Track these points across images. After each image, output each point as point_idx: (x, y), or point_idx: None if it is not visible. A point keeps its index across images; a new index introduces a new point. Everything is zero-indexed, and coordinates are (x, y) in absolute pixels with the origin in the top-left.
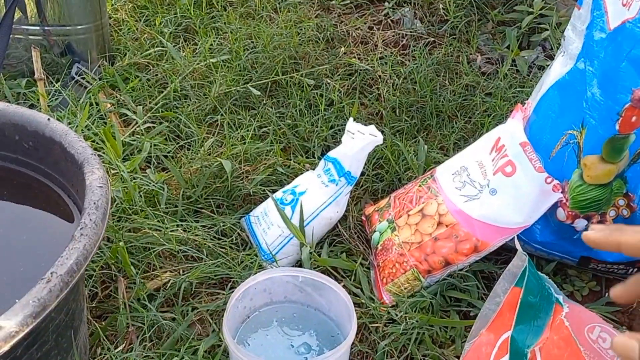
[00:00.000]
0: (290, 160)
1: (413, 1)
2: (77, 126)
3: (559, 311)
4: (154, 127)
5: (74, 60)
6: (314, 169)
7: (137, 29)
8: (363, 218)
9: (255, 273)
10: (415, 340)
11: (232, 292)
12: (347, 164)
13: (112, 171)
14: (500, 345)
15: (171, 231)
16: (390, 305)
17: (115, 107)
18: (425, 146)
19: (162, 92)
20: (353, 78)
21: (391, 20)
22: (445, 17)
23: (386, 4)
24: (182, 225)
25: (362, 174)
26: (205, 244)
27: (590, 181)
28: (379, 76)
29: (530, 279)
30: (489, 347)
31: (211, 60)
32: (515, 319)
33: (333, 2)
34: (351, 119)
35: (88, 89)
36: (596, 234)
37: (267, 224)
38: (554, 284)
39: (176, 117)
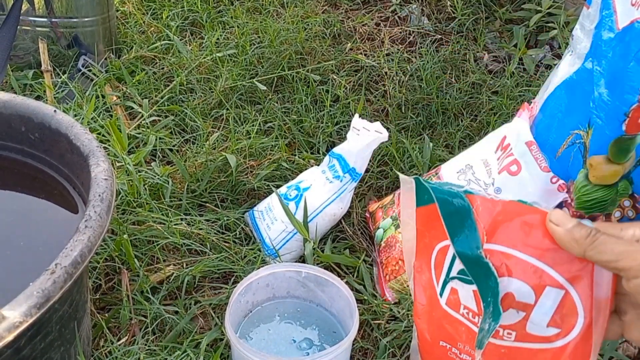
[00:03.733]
0: (295, 155)
1: None
2: (83, 118)
3: (474, 199)
4: (160, 120)
5: (80, 52)
6: (318, 165)
7: (144, 22)
8: (367, 215)
9: (258, 268)
10: None
11: (235, 286)
12: (351, 161)
13: (118, 164)
14: (436, 258)
15: (175, 225)
16: (392, 303)
17: (121, 100)
18: (431, 144)
19: (168, 85)
20: (359, 74)
21: (398, 17)
22: (453, 15)
23: (393, 0)
24: (186, 219)
25: (367, 170)
26: (209, 238)
27: (595, 181)
28: (385, 73)
29: (435, 189)
30: (427, 271)
31: (217, 54)
32: (449, 234)
33: None
34: (357, 115)
35: (94, 81)
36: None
37: (270, 219)
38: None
39: (182, 111)
